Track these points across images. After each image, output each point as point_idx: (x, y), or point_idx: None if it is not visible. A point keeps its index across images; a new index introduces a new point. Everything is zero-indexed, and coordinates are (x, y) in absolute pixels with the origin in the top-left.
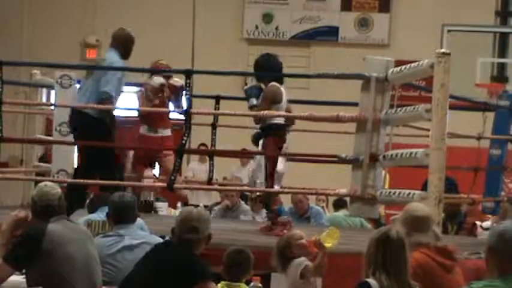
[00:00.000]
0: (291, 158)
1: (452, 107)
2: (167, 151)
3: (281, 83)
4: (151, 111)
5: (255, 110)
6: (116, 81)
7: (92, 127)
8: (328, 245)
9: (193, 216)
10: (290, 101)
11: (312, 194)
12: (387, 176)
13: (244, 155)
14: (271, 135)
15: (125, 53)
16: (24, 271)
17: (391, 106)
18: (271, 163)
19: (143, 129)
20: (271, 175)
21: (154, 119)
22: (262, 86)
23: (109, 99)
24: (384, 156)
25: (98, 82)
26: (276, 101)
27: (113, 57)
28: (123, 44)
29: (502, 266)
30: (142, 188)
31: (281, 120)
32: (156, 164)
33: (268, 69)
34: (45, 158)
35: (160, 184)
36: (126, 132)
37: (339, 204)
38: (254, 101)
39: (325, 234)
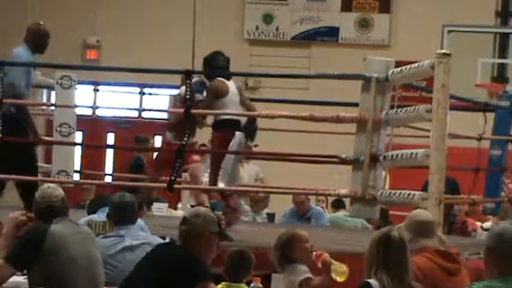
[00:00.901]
0: (293, 158)
1: (452, 108)
2: (195, 158)
3: (228, 78)
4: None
5: (201, 106)
6: (22, 74)
7: (6, 124)
8: (334, 276)
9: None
10: (290, 101)
11: (312, 194)
12: (387, 176)
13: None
14: (215, 131)
15: (36, 47)
16: (25, 271)
17: (392, 106)
18: (215, 160)
19: (170, 137)
20: (214, 172)
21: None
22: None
23: (15, 91)
24: (384, 157)
25: (6, 77)
26: (220, 95)
27: (19, 52)
28: (33, 38)
29: (502, 267)
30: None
31: (227, 116)
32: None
33: (214, 66)
34: None
35: (160, 184)
36: (125, 133)
37: (338, 204)
38: (200, 97)
39: (338, 266)
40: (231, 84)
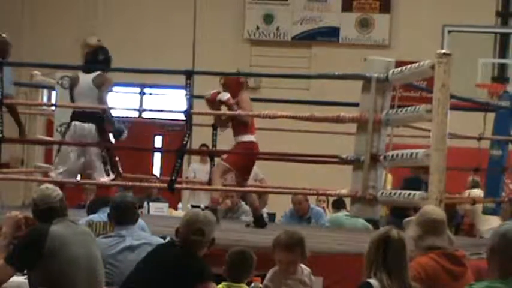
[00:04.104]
0: (293, 158)
1: (453, 108)
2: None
3: (84, 71)
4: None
5: None
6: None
7: None
8: None
9: (199, 219)
10: (291, 102)
11: (312, 194)
12: (390, 176)
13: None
14: None
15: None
16: (26, 272)
17: (392, 107)
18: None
19: None
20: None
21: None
22: None
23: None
24: (384, 157)
25: None
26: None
27: None
28: None
29: (503, 267)
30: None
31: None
32: None
33: None
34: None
35: (160, 184)
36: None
37: (338, 205)
38: None
39: None
40: (83, 77)
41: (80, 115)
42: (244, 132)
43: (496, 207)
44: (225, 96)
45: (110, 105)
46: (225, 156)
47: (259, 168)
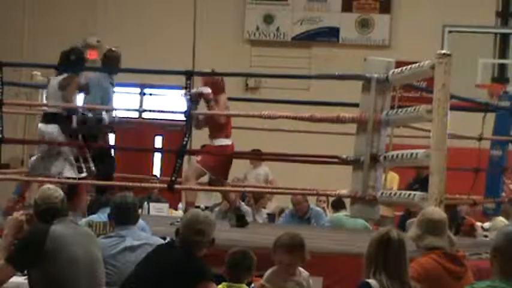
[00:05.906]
0: (293, 159)
1: (453, 108)
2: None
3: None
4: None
5: None
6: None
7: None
8: None
9: (200, 219)
10: (291, 102)
11: (312, 194)
12: (396, 176)
13: (247, 157)
14: None
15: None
16: (26, 272)
17: (392, 107)
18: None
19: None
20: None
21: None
22: None
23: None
24: (384, 157)
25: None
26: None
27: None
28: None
29: (506, 267)
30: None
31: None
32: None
33: None
34: None
35: (160, 185)
36: (126, 133)
37: (338, 205)
38: None
39: None
40: (53, 79)
41: (44, 116)
42: (218, 136)
43: (496, 208)
44: (207, 89)
45: (78, 104)
46: (199, 158)
47: (269, 170)
